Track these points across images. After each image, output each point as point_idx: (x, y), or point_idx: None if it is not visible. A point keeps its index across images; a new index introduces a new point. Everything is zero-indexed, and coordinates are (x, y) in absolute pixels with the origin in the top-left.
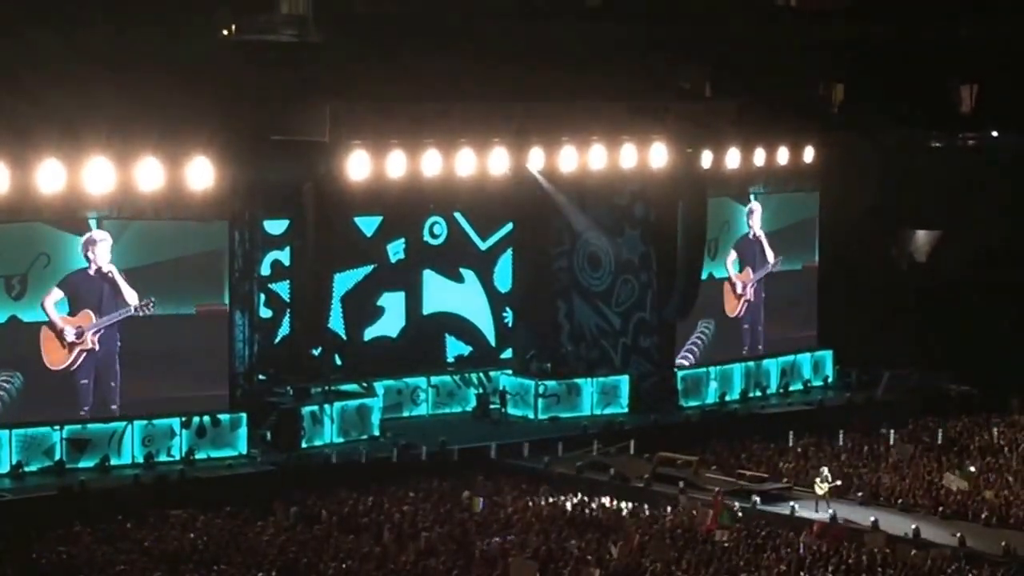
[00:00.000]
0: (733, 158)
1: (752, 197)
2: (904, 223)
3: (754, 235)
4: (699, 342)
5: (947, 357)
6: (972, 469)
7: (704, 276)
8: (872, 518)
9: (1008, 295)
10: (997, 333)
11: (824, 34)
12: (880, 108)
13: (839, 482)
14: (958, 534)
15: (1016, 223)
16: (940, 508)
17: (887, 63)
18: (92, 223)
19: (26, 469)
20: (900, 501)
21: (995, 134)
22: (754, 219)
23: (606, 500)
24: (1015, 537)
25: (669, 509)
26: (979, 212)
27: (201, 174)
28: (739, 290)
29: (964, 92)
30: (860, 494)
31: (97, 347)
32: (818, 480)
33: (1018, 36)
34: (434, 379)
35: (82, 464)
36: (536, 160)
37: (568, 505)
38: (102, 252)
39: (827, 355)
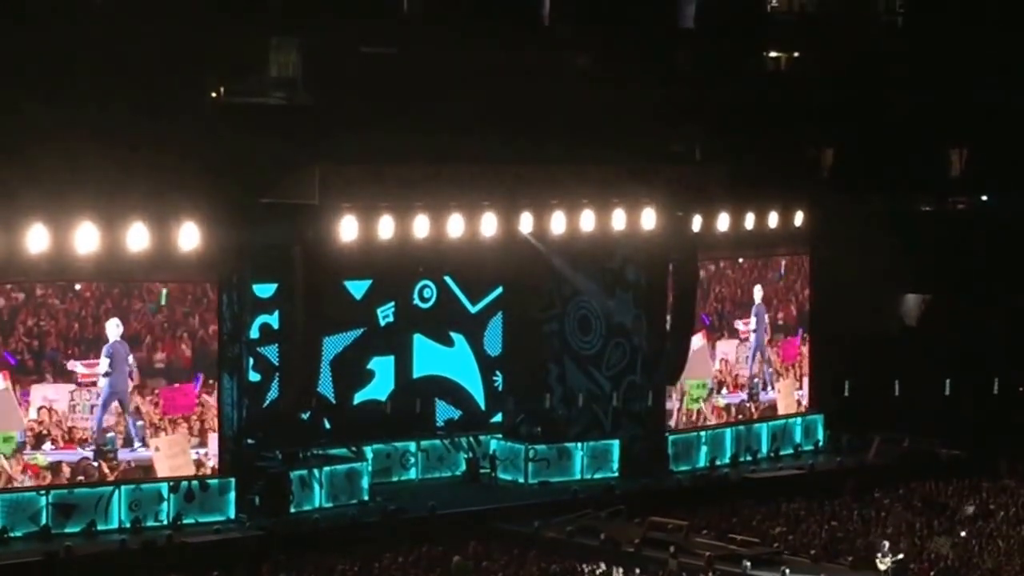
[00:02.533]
0: (724, 222)
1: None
2: (894, 287)
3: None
4: None
5: (938, 421)
6: (963, 534)
7: None
8: None
9: (998, 359)
10: (987, 397)
11: (814, 99)
12: (870, 172)
13: (901, 555)
14: None
15: (1006, 287)
16: (932, 573)
17: (877, 128)
18: None
19: (11, 534)
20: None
21: (984, 198)
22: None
23: (597, 565)
24: None
25: (660, 574)
26: (969, 276)
27: (189, 237)
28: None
29: (953, 156)
30: (850, 559)
31: None
32: (879, 555)
33: (1007, 100)
34: (424, 443)
35: (68, 529)
36: (526, 224)
37: (558, 571)
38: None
39: (818, 419)
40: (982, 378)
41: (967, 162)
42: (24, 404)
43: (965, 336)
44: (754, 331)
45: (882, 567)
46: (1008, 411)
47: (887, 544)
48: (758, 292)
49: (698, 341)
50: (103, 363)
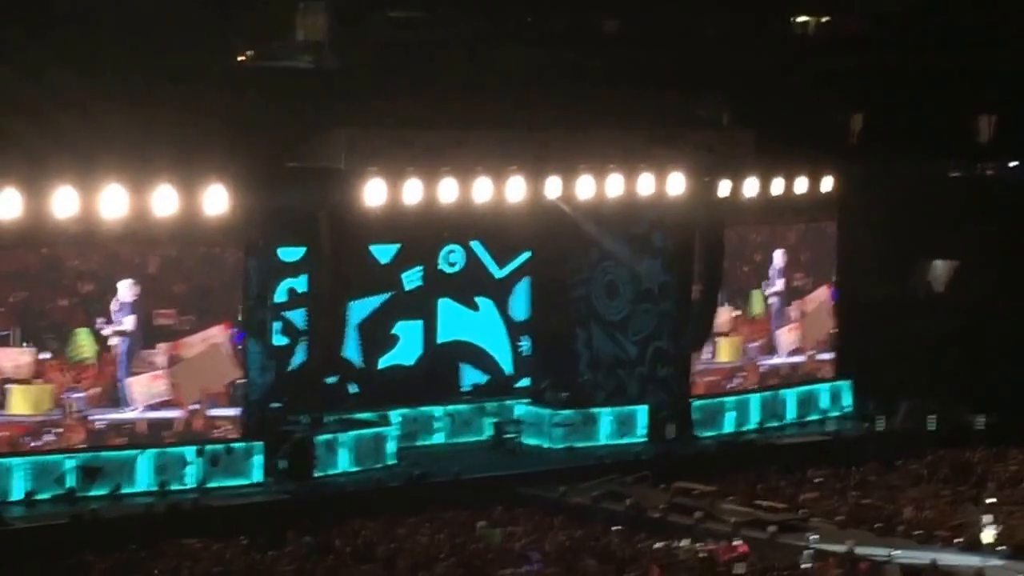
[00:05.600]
0: (751, 187)
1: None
2: (922, 253)
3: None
4: None
5: (966, 387)
6: (989, 502)
7: None
8: (889, 550)
9: None
10: (1016, 363)
11: (843, 63)
12: (899, 138)
13: (996, 527)
14: (977, 566)
15: None
16: (958, 540)
17: (906, 93)
18: None
19: (37, 497)
20: (918, 532)
21: (1013, 164)
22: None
23: (622, 531)
24: None
25: (686, 540)
26: (998, 242)
27: (216, 201)
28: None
29: (983, 122)
30: (877, 525)
31: None
32: (983, 528)
33: None
34: (450, 408)
35: (94, 492)
36: (553, 188)
37: (584, 536)
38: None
39: (845, 385)
40: (1012, 343)
41: (996, 128)
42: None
43: (994, 302)
44: (777, 294)
45: (987, 540)
46: None
47: (987, 517)
48: (779, 257)
49: (822, 295)
50: (128, 321)
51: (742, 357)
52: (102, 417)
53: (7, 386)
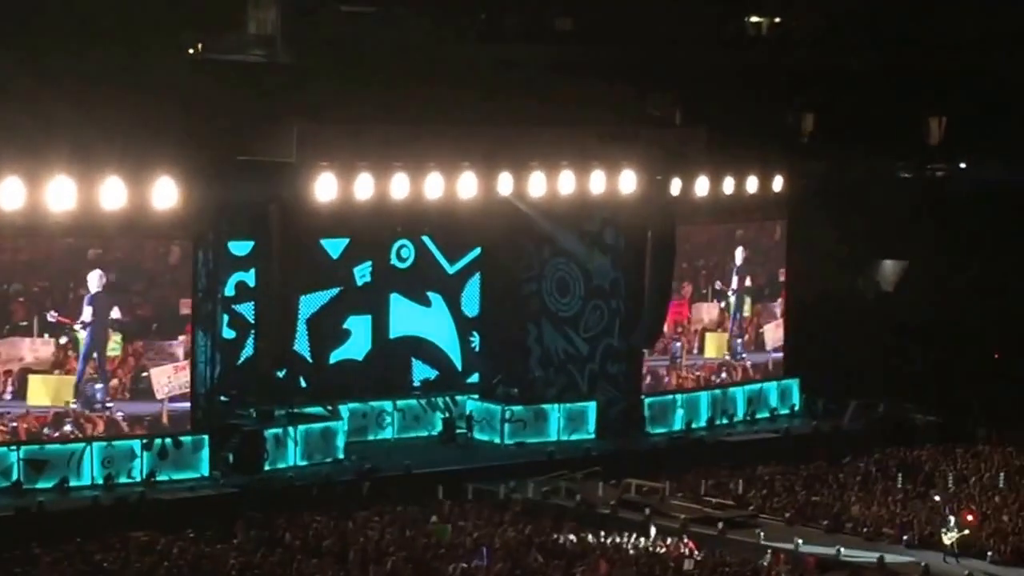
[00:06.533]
0: (702, 186)
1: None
2: (871, 253)
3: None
4: None
5: (913, 386)
6: (937, 498)
7: None
8: (837, 547)
9: (974, 325)
10: (963, 363)
11: (795, 63)
12: (849, 138)
13: (967, 531)
14: (923, 563)
15: (982, 253)
16: (905, 537)
17: (857, 93)
18: None
19: None
20: (865, 530)
21: (963, 166)
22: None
23: (572, 527)
24: (978, 566)
25: (635, 536)
26: (946, 243)
27: (165, 194)
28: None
29: (932, 124)
30: (825, 522)
31: None
32: (944, 530)
33: (985, 69)
34: (400, 403)
35: (40, 485)
36: (505, 185)
37: (533, 531)
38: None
39: (794, 383)
40: (959, 343)
41: (946, 130)
42: None
43: (942, 302)
44: (734, 292)
45: (947, 540)
46: (984, 377)
47: (952, 519)
48: (739, 255)
49: None
50: (86, 312)
51: (727, 353)
52: (124, 409)
53: (27, 376)
